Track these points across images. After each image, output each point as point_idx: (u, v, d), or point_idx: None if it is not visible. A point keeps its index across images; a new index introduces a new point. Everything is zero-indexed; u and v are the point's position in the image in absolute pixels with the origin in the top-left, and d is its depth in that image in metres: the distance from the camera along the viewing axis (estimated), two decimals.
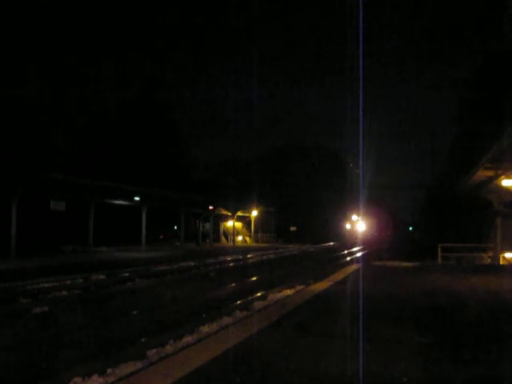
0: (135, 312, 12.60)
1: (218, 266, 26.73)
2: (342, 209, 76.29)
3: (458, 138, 47.89)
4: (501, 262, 25.85)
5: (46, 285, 17.04)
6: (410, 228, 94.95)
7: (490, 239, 28.00)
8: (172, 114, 65.06)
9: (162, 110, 61.67)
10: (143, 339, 9.32)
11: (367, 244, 62.25)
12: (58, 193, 32.64)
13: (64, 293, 15.96)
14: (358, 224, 70.87)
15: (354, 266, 23.42)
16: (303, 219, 75.63)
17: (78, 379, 6.97)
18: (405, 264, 25.51)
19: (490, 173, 20.26)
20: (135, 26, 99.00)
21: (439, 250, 27.74)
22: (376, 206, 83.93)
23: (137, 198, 39.10)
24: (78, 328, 10.56)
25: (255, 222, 67.15)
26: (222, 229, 66.23)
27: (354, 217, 74.28)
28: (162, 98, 63.48)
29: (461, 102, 48.73)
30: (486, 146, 17.68)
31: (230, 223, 64.35)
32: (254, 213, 64.23)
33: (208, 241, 57.46)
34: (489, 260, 28.05)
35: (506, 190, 20.28)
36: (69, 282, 18.19)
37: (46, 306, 13.13)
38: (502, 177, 19.14)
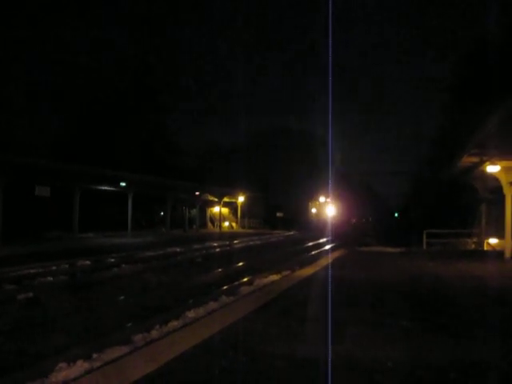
0: (121, 297, 12.57)
1: (204, 252, 26.71)
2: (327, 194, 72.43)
3: (444, 123, 48.07)
4: (485, 248, 26.07)
5: (30, 271, 16.92)
6: (396, 214, 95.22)
7: (475, 225, 28.22)
8: (158, 99, 64.63)
9: (148, 96, 61.25)
10: (129, 324, 9.31)
11: (339, 232, 52.21)
12: (43, 178, 32.40)
13: (49, 279, 15.87)
14: (328, 207, 61.07)
15: (339, 252, 23.54)
16: (290, 205, 75.33)
17: (63, 364, 6.95)
18: (390, 250, 25.70)
19: (475, 159, 20.34)
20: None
21: (424, 235, 27.94)
22: (357, 189, 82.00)
23: (123, 184, 38.91)
24: (63, 314, 10.53)
25: (242, 207, 67.09)
26: (208, 215, 66.14)
27: (322, 199, 65.39)
28: (149, 82, 62.97)
29: (445, 90, 48.84)
30: (472, 132, 17.76)
31: (216, 209, 64.31)
32: (241, 198, 64.19)
33: (194, 227, 57.41)
34: (473, 246, 28.29)
35: (491, 177, 20.39)
36: (54, 267, 18.08)
37: (31, 292, 13.06)
38: (487, 163, 19.22)
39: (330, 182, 64.29)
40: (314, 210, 70.82)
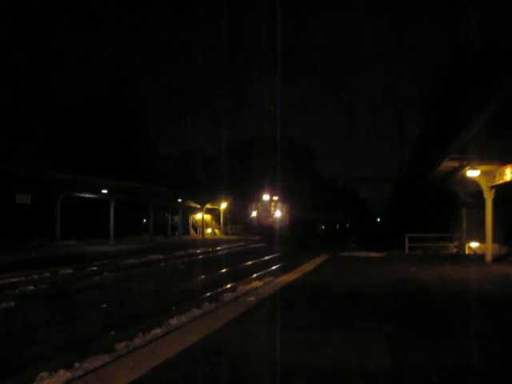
0: (104, 305, 12.51)
1: (187, 259, 26.69)
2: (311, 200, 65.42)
3: (425, 127, 48.39)
4: (466, 252, 26.29)
5: (12, 280, 16.78)
6: (378, 219, 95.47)
7: (456, 229, 28.43)
8: (139, 105, 64.37)
9: (128, 102, 60.96)
10: (112, 332, 9.27)
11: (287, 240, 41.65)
12: (23, 186, 32.09)
13: (31, 287, 15.75)
14: (276, 208, 46.54)
15: (322, 257, 23.58)
16: None
17: (44, 373, 6.90)
18: (373, 254, 25.82)
19: (455, 163, 20.47)
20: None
21: (406, 240, 28.09)
22: (335, 192, 79.22)
23: (104, 191, 38.59)
24: (45, 323, 10.44)
25: (224, 214, 66.86)
26: (191, 221, 65.91)
27: (266, 196, 47.40)
28: (129, 88, 62.70)
29: (427, 92, 49.25)
30: (452, 137, 17.91)
31: (198, 216, 64.07)
32: (223, 205, 63.98)
33: (177, 233, 57.21)
34: (455, 250, 28.50)
35: (471, 181, 20.56)
36: (36, 276, 17.96)
37: (13, 302, 12.96)
38: (467, 168, 19.36)
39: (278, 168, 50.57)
40: (254, 213, 50.78)
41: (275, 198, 46.69)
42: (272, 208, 46.83)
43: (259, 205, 48.49)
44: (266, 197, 47.83)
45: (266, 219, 46.54)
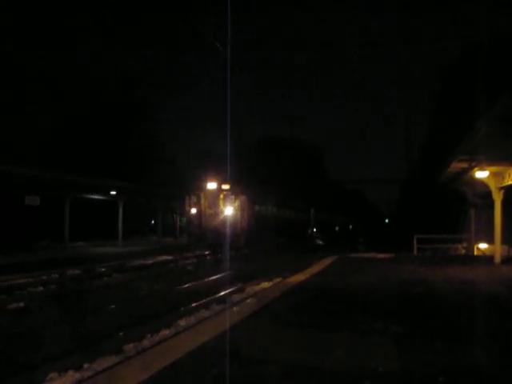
0: (112, 306, 12.52)
1: (195, 260, 26.69)
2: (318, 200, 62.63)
3: (433, 128, 48.31)
4: (475, 253, 26.18)
5: (21, 281, 16.86)
6: (386, 220, 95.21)
7: (465, 230, 28.31)
8: (148, 106, 64.35)
9: (137, 103, 60.96)
10: (120, 333, 9.28)
11: None
12: (32, 188, 32.18)
13: (40, 288, 15.82)
14: (226, 202, 30.77)
15: (329, 259, 23.51)
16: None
17: (53, 374, 6.93)
18: (381, 256, 25.74)
19: (464, 165, 20.37)
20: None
21: (415, 241, 27.99)
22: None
23: (113, 192, 38.66)
24: (53, 323, 10.47)
25: None
26: None
27: (212, 185, 31.23)
28: (138, 91, 62.69)
29: (434, 94, 49.16)
30: (461, 138, 17.82)
31: None
32: None
33: (185, 235, 57.15)
34: (463, 251, 28.39)
35: (480, 182, 20.46)
36: (44, 277, 18.02)
37: (22, 302, 13.02)
38: (476, 169, 19.25)
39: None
40: (193, 210, 31.80)
41: (225, 186, 31.34)
42: (221, 202, 31.32)
43: (202, 197, 31.67)
44: (211, 185, 31.59)
45: (211, 219, 30.99)
